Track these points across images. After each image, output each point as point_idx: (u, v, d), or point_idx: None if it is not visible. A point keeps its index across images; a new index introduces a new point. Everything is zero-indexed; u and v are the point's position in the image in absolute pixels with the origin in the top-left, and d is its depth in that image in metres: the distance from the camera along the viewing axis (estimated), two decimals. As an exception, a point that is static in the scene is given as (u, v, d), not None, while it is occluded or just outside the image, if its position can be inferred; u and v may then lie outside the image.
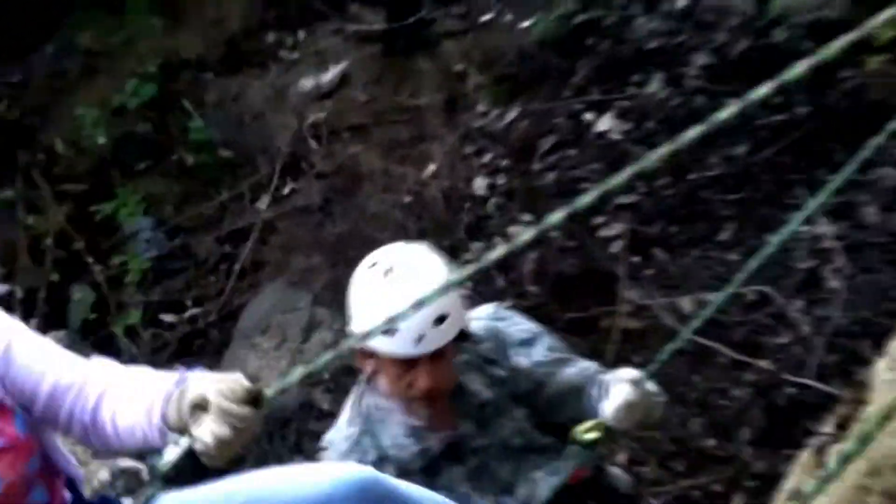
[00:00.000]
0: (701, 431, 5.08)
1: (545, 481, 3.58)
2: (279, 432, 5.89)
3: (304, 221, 6.76)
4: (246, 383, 2.31)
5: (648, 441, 5.16)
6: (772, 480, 3.83)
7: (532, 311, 4.94)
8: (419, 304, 2.28)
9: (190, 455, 2.39)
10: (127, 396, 2.57)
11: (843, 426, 2.67)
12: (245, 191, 6.99)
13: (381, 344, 3.13)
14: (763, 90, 1.62)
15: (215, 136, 7.16)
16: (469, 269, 2.47)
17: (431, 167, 6.60)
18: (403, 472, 3.44)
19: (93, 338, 6.44)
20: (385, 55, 7.31)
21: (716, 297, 4.73)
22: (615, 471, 3.94)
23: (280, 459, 5.47)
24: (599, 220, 6.07)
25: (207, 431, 2.27)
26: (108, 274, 6.74)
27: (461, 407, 3.47)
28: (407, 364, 3.22)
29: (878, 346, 2.92)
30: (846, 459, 2.11)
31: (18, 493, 2.66)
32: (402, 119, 6.97)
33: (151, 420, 2.45)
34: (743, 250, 5.59)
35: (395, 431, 3.47)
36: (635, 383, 3.22)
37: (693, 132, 1.66)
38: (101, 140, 7.12)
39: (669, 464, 5.03)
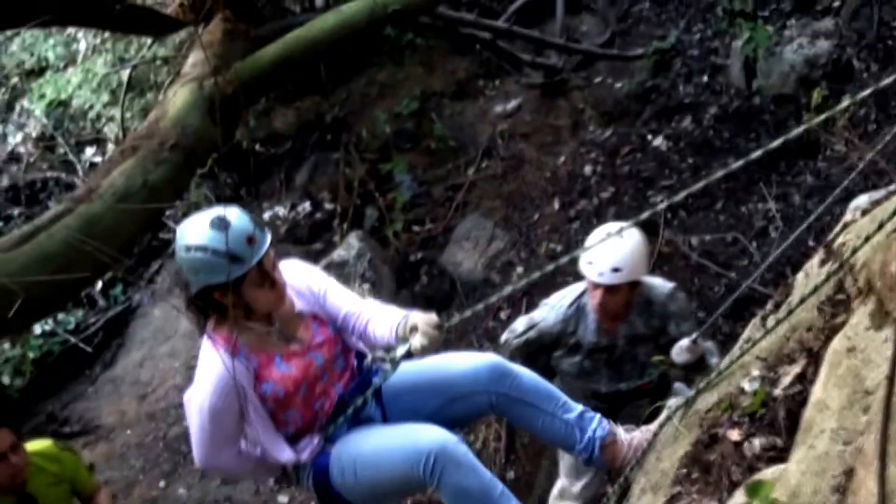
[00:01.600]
0: (696, 308, 6.34)
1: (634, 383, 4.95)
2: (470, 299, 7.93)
3: (491, 183, 8.80)
4: (436, 318, 3.58)
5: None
6: (734, 337, 4.73)
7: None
8: (607, 237, 4.07)
9: (407, 351, 3.56)
10: (380, 321, 3.75)
11: (777, 306, 3.34)
12: (461, 164, 8.99)
13: (586, 271, 4.60)
14: (774, 145, 3.27)
15: (448, 134, 9.13)
16: (632, 222, 4.09)
17: (562, 158, 8.62)
18: (578, 347, 4.94)
19: (375, 236, 8.61)
20: (542, 96, 9.31)
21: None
22: (678, 385, 4.91)
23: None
24: (651, 192, 7.86)
25: (417, 341, 3.53)
26: (386, 203, 8.78)
27: (625, 330, 4.84)
28: (595, 287, 4.62)
29: (797, 269, 3.69)
30: (778, 322, 3.05)
31: (331, 362, 3.86)
32: (548, 132, 9.01)
33: (392, 333, 3.66)
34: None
35: (589, 323, 4.83)
36: (693, 341, 4.36)
37: (717, 174, 3.53)
38: (387, 130, 9.16)
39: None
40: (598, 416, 3.81)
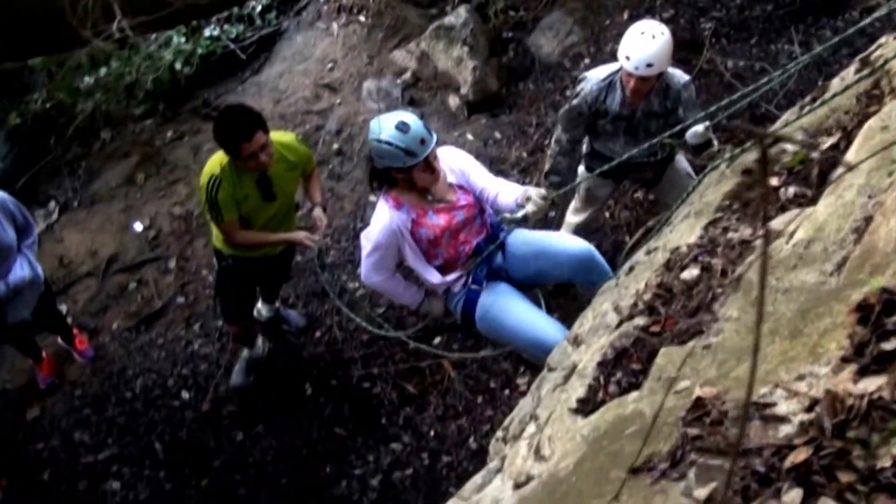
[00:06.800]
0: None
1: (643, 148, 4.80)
2: (544, 76, 8.43)
3: None
4: (544, 191, 4.43)
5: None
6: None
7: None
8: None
9: (524, 215, 4.39)
10: (505, 193, 4.59)
11: (813, 100, 3.34)
12: None
13: (624, 64, 4.98)
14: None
15: None
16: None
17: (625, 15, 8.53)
18: (606, 113, 5.33)
19: (479, 12, 8.60)
20: None
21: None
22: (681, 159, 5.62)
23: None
24: (702, 19, 8.14)
25: (530, 207, 4.39)
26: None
27: (644, 106, 5.20)
28: (630, 76, 5.01)
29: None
30: (822, 102, 3.06)
31: (470, 219, 4.76)
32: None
33: (513, 201, 4.51)
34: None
35: (617, 95, 5.22)
36: (707, 127, 4.67)
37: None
38: None
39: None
40: None
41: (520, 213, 4.44)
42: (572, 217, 6.07)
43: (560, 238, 4.95)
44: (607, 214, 6.92)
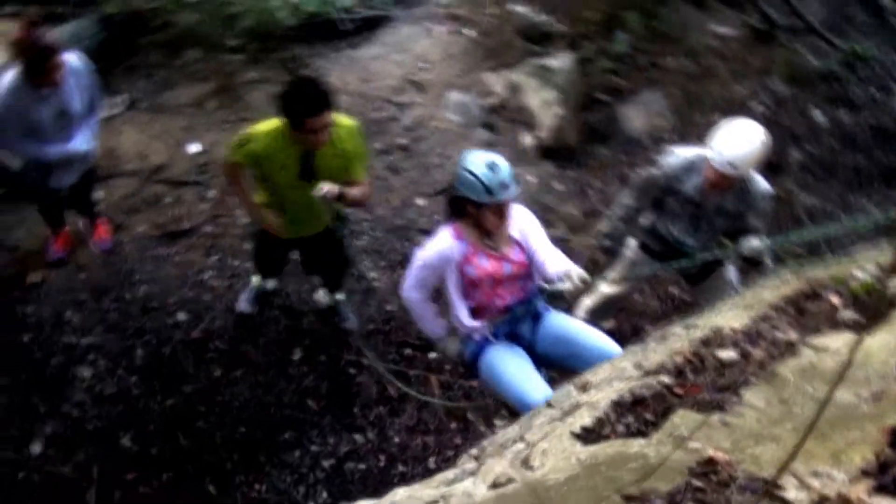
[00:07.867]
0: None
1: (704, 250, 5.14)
2: (622, 146, 8.54)
3: (682, 77, 9.05)
4: (585, 274, 4.47)
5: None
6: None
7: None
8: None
9: (559, 290, 4.44)
10: (552, 263, 4.63)
11: None
12: (669, 52, 9.21)
13: (709, 153, 4.95)
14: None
15: (674, 24, 9.30)
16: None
17: (743, 90, 8.87)
18: (678, 192, 5.26)
19: (583, 64, 8.83)
20: (750, 35, 9.37)
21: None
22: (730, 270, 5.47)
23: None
24: (793, 147, 8.25)
25: (568, 286, 4.42)
26: (603, 45, 8.98)
27: (718, 200, 5.16)
28: (714, 171, 4.97)
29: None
30: None
31: (515, 277, 4.86)
32: (742, 64, 9.20)
33: (555, 274, 4.53)
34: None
35: (694, 179, 5.15)
36: (763, 245, 4.85)
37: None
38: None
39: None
40: None
41: (554, 287, 4.52)
42: (606, 288, 5.97)
43: (597, 336, 4.91)
44: (637, 296, 6.86)
